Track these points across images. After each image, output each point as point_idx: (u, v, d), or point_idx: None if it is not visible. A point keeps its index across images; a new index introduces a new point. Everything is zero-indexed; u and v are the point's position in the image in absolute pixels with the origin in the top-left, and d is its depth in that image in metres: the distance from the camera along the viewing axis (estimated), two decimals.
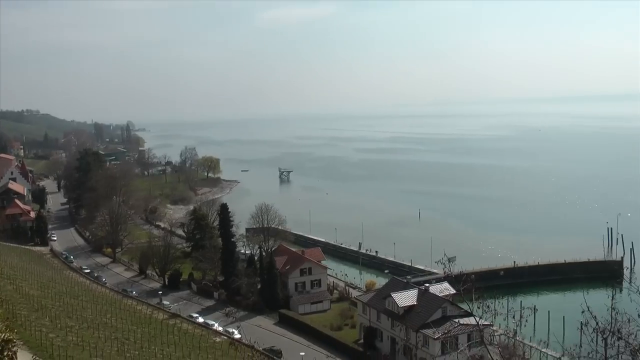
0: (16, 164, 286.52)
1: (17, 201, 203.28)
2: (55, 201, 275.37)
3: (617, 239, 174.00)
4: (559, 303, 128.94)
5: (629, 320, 24.77)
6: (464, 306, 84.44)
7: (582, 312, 26.31)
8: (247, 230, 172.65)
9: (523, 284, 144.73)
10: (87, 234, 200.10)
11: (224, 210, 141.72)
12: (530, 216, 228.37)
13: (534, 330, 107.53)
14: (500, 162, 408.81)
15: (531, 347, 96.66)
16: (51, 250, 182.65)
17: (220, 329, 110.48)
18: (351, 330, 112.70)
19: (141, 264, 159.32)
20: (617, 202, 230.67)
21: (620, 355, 24.38)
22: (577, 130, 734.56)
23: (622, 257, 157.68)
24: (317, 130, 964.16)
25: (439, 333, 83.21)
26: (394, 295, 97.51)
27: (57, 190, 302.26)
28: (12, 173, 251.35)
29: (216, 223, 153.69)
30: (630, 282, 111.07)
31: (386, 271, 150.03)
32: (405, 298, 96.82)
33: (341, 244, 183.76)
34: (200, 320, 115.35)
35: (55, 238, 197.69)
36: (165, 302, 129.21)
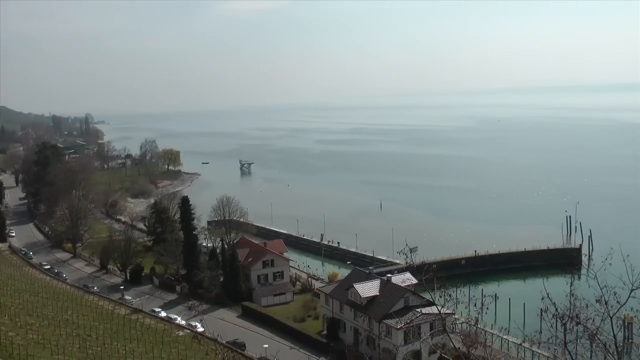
0: None
1: None
2: (13, 196, 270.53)
3: (576, 227, 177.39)
4: (520, 290, 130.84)
5: (587, 306, 25.43)
6: (426, 296, 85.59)
7: (542, 298, 26.93)
8: (209, 223, 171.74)
9: (484, 273, 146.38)
10: (47, 229, 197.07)
11: (185, 203, 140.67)
12: (491, 205, 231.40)
13: (495, 317, 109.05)
14: (459, 153, 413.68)
15: (492, 334, 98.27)
16: (9, 246, 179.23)
17: (183, 322, 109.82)
18: (314, 321, 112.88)
19: (102, 259, 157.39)
20: (576, 191, 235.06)
21: (578, 340, 24.98)
22: (536, 121, 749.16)
23: (580, 245, 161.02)
24: (277, 122, 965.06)
25: (401, 323, 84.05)
26: (356, 286, 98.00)
27: (14, 185, 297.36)
28: None
29: (177, 216, 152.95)
30: (588, 268, 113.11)
31: (348, 262, 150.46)
32: (368, 289, 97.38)
33: (303, 236, 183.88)
34: (163, 314, 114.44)
35: (13, 234, 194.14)
36: (127, 297, 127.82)
